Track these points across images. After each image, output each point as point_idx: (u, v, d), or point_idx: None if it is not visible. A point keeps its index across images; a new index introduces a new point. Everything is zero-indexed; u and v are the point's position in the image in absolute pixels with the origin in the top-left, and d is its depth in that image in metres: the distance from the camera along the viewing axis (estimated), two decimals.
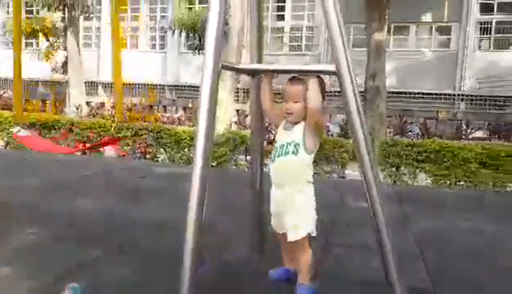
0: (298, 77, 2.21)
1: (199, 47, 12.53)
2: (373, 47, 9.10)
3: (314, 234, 2.20)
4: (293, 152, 2.17)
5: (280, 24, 15.69)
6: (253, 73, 2.41)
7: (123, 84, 15.12)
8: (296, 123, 2.21)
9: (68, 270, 2.38)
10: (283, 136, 2.26)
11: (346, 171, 6.51)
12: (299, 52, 15.37)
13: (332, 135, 10.49)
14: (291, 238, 2.18)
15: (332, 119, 13.63)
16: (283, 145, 2.22)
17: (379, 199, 1.90)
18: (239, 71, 2.40)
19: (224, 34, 8.49)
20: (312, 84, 2.11)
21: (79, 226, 3.32)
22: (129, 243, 2.94)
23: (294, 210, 2.19)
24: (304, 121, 2.18)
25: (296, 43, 15.40)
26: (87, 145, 7.08)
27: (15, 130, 6.59)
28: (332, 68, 1.96)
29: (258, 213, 2.60)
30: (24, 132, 6.19)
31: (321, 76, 2.20)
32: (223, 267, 2.57)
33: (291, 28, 15.53)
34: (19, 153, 7.50)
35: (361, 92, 2.08)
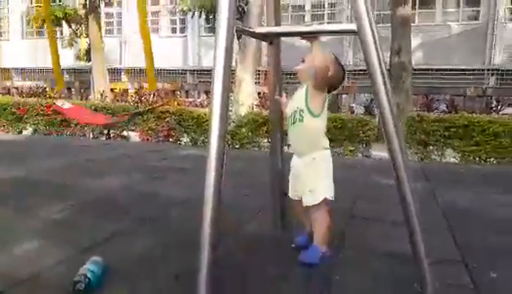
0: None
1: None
2: (397, 22, 8.79)
3: (332, 198, 2.20)
4: (299, 119, 2.19)
5: (300, 1, 15.38)
6: (271, 40, 2.33)
7: (143, 70, 15.24)
8: (301, 88, 2.23)
9: (92, 243, 2.42)
10: (291, 103, 2.29)
11: (371, 151, 6.38)
12: (323, 24, 15.02)
13: (353, 113, 10.31)
14: (307, 202, 2.20)
15: (356, 100, 13.39)
16: (291, 114, 2.24)
17: (407, 178, 1.80)
18: (255, 35, 2.29)
19: (244, 13, 8.40)
20: (315, 45, 2.14)
21: (104, 202, 3.39)
22: (152, 219, 2.97)
23: (310, 175, 2.20)
24: (308, 84, 2.18)
25: (318, 21, 15.08)
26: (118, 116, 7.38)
27: (59, 103, 7.05)
28: (353, 27, 1.81)
29: (280, 190, 2.55)
30: (67, 105, 6.72)
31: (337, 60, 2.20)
32: (246, 243, 2.55)
33: (312, 6, 15.20)
34: (47, 138, 7.70)
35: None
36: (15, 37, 17.65)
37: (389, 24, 9.14)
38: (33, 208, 3.10)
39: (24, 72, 16.91)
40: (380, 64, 1.75)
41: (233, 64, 10.56)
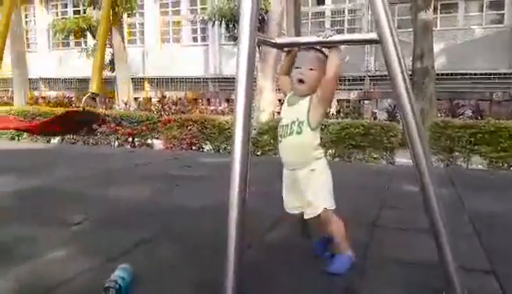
0: (316, 48, 2.11)
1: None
2: (419, 27, 8.72)
3: (331, 207, 2.11)
4: (297, 132, 2.08)
5: (320, 8, 15.38)
6: (289, 49, 2.31)
7: (166, 79, 15.47)
8: (302, 98, 2.10)
9: (118, 252, 2.46)
10: (287, 113, 2.16)
11: (396, 157, 6.30)
12: (344, 34, 14.97)
13: (376, 119, 10.19)
14: (307, 215, 2.13)
15: (378, 105, 13.25)
16: (287, 125, 2.12)
17: (432, 184, 1.78)
18: (276, 46, 2.29)
19: (264, 21, 8.48)
20: (334, 53, 2.01)
21: (128, 211, 3.44)
22: (178, 227, 3.01)
23: (307, 188, 2.12)
24: (312, 94, 2.07)
25: (338, 27, 15.03)
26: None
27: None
28: (374, 36, 1.80)
29: None
30: None
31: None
32: (269, 250, 2.56)
33: (332, 12, 15.18)
34: (74, 147, 7.89)
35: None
36: (42, 49, 18.22)
37: (411, 29, 9.05)
38: (61, 217, 3.17)
39: (50, 82, 17.41)
40: (402, 70, 1.75)
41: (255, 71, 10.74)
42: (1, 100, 15.19)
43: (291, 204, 2.26)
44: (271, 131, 6.89)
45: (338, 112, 10.99)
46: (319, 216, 2.11)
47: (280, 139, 2.19)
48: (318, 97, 2.05)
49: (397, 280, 2.12)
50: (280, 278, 2.15)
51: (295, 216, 2.28)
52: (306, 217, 2.15)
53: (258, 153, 6.90)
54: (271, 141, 6.85)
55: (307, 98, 2.08)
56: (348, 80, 13.64)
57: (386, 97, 12.44)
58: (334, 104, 12.21)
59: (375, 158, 6.31)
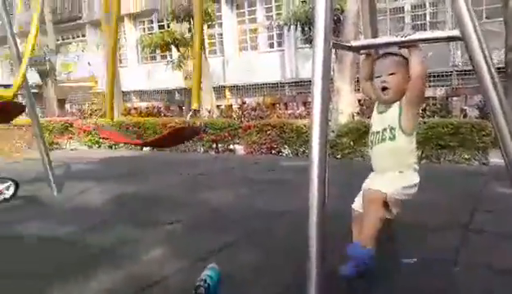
0: (391, 52, 2.06)
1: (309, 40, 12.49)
2: (511, 16, 7.98)
3: (391, 197, 2.01)
4: (390, 138, 2.04)
5: (398, 3, 14.74)
6: (367, 53, 2.29)
7: (245, 86, 15.90)
8: (391, 104, 2.05)
9: (206, 253, 2.63)
10: (378, 121, 2.13)
11: (489, 158, 5.85)
12: (423, 32, 14.21)
13: (466, 117, 9.52)
14: (366, 191, 2.07)
15: (468, 102, 12.35)
16: (378, 132, 2.09)
17: None
18: (351, 49, 2.27)
19: (340, 21, 8.34)
20: (414, 53, 1.95)
21: (214, 215, 3.64)
22: (259, 231, 3.12)
23: (383, 179, 2.06)
24: (400, 99, 2.01)
25: (419, 22, 14.29)
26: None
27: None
28: (456, 33, 1.73)
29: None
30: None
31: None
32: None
33: (412, 7, 14.46)
34: (164, 153, 8.46)
35: (500, 69, 1.82)
36: (133, 63, 19.73)
37: (501, 19, 8.34)
38: (155, 220, 3.47)
39: (140, 94, 18.78)
40: (488, 65, 1.67)
41: (331, 73, 10.50)
42: (100, 112, 16.73)
43: (358, 202, 2.20)
44: (351, 133, 6.77)
45: (424, 110, 10.41)
46: (372, 194, 2.05)
47: (371, 146, 2.18)
48: (407, 100, 2.01)
49: (488, 288, 2.00)
50: (361, 284, 2.14)
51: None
52: (363, 192, 2.10)
53: (338, 156, 6.82)
54: (351, 144, 6.73)
55: (397, 103, 2.05)
56: (434, 76, 12.89)
57: (476, 93, 11.54)
58: None
59: (466, 159, 5.91)
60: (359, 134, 6.68)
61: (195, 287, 1.98)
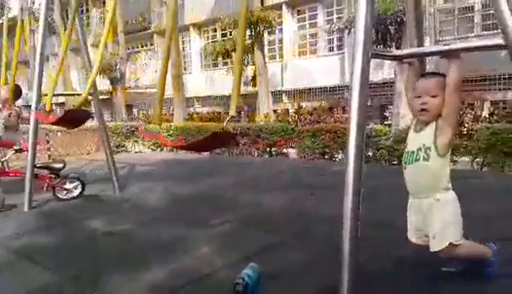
0: (434, 72, 2.01)
1: (376, 42, 12.17)
2: None
3: (457, 242, 1.98)
4: (424, 158, 2.01)
5: (468, 2, 13.97)
6: (409, 61, 2.23)
7: (302, 90, 15.89)
8: (427, 124, 2.01)
9: (251, 252, 2.76)
10: (413, 140, 2.10)
11: None
12: (496, 30, 13.33)
13: None
14: (434, 247, 2.02)
15: None
16: (413, 152, 2.06)
17: None
18: (395, 58, 2.28)
19: (403, 23, 7.98)
20: (454, 64, 1.90)
21: (263, 216, 3.78)
22: (305, 233, 3.19)
23: (434, 219, 2.01)
24: (437, 120, 1.97)
25: (491, 22, 13.46)
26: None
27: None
28: (499, 41, 1.71)
29: None
30: None
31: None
32: (395, 262, 2.54)
33: (483, 6, 13.65)
34: (221, 157, 8.75)
35: None
36: (196, 70, 20.51)
37: None
38: (207, 220, 3.67)
39: (203, 99, 19.47)
40: None
41: (392, 75, 10.17)
42: (163, 117, 17.61)
43: (415, 234, 2.18)
44: None
45: (491, 115, 9.79)
46: (445, 253, 2.03)
47: (404, 165, 2.15)
48: (443, 118, 1.97)
49: None
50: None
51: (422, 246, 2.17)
52: (431, 250, 2.04)
53: (395, 163, 6.66)
54: None
55: (433, 123, 2.01)
56: (504, 78, 12.08)
57: None
58: (487, 106, 10.95)
59: None
60: None
61: (234, 284, 2.10)
